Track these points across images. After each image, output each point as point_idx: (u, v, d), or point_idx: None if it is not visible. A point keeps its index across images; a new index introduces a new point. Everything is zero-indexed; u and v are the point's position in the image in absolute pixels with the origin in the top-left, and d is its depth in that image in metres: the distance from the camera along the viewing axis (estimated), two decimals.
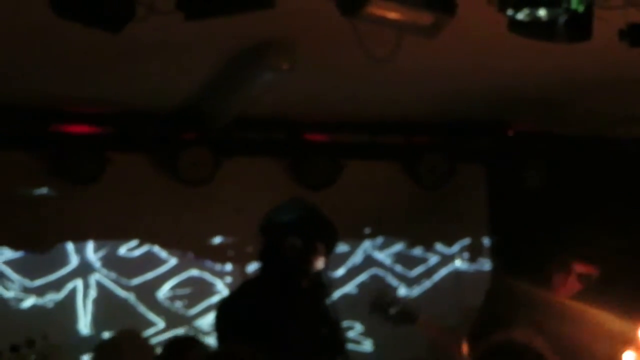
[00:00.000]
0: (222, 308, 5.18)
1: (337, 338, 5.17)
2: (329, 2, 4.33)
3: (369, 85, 6.06)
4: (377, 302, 5.86)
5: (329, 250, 4.95)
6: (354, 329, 7.17)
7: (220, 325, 5.12)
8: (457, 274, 7.56)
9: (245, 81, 5.95)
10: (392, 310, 5.78)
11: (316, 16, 4.83)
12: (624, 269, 6.03)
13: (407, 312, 5.80)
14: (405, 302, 6.37)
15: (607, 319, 5.29)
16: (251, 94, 6.15)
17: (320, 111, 6.89)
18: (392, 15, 4.29)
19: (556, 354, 3.23)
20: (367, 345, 7.27)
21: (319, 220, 4.96)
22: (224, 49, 5.56)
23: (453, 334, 5.95)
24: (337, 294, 7.09)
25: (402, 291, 7.46)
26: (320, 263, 4.89)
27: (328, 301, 5.32)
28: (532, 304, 5.44)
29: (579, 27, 4.35)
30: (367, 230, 7.42)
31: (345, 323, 6.62)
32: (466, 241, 7.63)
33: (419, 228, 7.49)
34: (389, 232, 7.45)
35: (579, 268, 5.57)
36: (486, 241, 7.67)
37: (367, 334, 7.22)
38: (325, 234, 4.92)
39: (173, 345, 6.10)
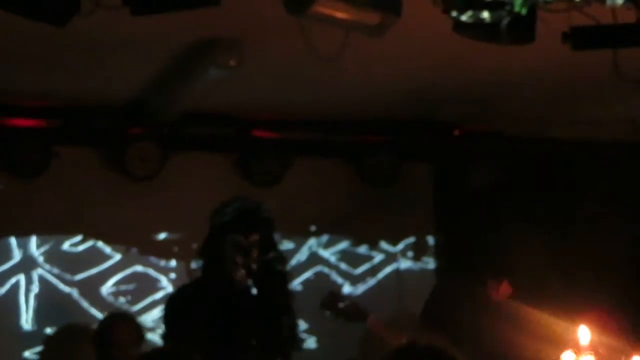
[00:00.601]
0: (168, 306, 5.18)
1: (285, 332, 5.19)
2: (276, 0, 4.34)
3: (316, 84, 6.09)
4: (327, 299, 5.91)
5: (267, 243, 4.97)
6: (298, 326, 7.18)
7: (166, 322, 5.13)
8: (401, 273, 7.62)
9: (193, 77, 5.95)
10: (343, 307, 5.83)
11: (263, 14, 4.85)
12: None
13: (358, 309, 5.86)
14: (355, 300, 6.43)
15: (548, 321, 5.37)
16: (199, 89, 6.15)
17: (269, 108, 6.90)
18: (339, 14, 4.32)
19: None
20: (311, 343, 7.29)
21: (258, 215, 4.99)
22: (171, 44, 5.56)
23: (400, 333, 6.00)
24: None
25: (347, 289, 7.50)
26: (256, 259, 4.90)
27: (279, 298, 5.32)
28: (471, 305, 5.51)
29: (522, 29, 4.41)
30: (312, 228, 7.45)
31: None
32: (411, 240, 7.68)
33: (364, 226, 7.53)
34: (334, 229, 7.49)
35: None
36: (431, 240, 7.73)
37: (311, 331, 7.23)
38: (263, 228, 4.95)
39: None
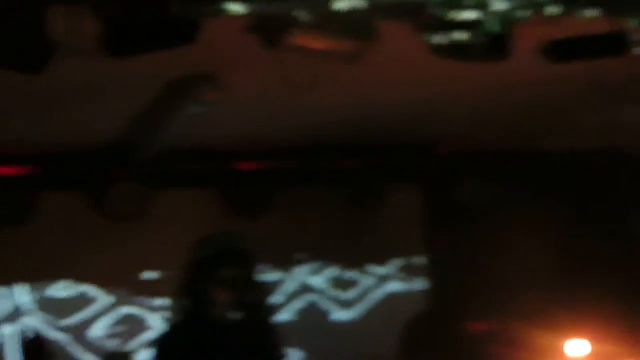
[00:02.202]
0: (159, 346, 5.13)
1: None
2: (252, 34, 4.34)
3: (295, 113, 6.08)
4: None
5: (252, 277, 4.91)
6: (291, 356, 7.14)
7: None
8: (391, 295, 7.60)
9: (173, 113, 5.94)
10: None
11: (239, 47, 4.83)
12: None
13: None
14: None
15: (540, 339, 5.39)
16: (179, 125, 6.13)
17: (250, 140, 6.89)
18: (315, 44, 4.32)
19: None
20: None
21: (242, 248, 4.94)
22: (149, 83, 5.54)
23: None
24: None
25: (338, 314, 7.48)
26: (243, 292, 4.86)
27: (266, 330, 5.28)
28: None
29: (497, 47, 4.43)
30: (300, 256, 7.42)
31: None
32: (400, 261, 7.66)
33: (352, 250, 7.51)
34: (322, 256, 7.47)
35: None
36: (420, 260, 7.71)
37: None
38: (247, 262, 4.89)
39: None
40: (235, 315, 4.92)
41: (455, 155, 7.50)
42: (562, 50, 4.72)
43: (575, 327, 5.44)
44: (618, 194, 7.43)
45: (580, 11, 4.38)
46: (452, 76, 5.34)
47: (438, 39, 4.28)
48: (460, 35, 4.27)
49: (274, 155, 7.11)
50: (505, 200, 7.44)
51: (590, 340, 4.86)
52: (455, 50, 4.41)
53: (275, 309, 6.77)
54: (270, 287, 5.35)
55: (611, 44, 4.74)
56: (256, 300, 5.00)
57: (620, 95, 5.33)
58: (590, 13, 4.40)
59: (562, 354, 4.78)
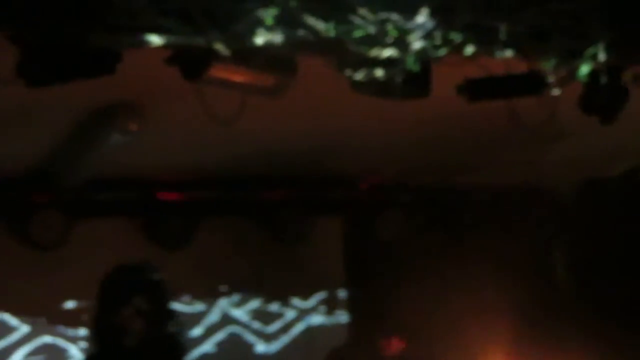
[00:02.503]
0: None
1: None
2: (172, 66, 4.35)
3: (218, 144, 6.11)
4: None
5: (159, 307, 4.89)
6: None
7: None
8: (314, 328, 7.61)
9: (95, 143, 5.92)
10: None
11: (161, 79, 4.84)
12: None
13: None
14: None
15: None
16: (101, 155, 6.11)
17: (172, 170, 6.88)
18: (235, 77, 4.35)
19: None
20: None
21: (144, 278, 4.92)
22: (71, 111, 5.54)
23: None
24: (195, 354, 7.06)
25: (260, 347, 7.47)
26: (157, 323, 4.83)
27: None
28: None
29: (416, 85, 4.50)
30: (223, 288, 7.41)
31: None
32: (322, 294, 7.69)
33: (275, 283, 7.52)
34: (245, 288, 7.46)
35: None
36: (342, 293, 7.75)
37: None
38: (151, 291, 4.86)
39: None
40: (150, 346, 4.90)
41: (375, 189, 7.57)
42: (479, 88, 4.82)
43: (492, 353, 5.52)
44: (536, 229, 7.58)
45: (498, 52, 4.47)
46: (373, 112, 5.40)
47: (358, 75, 4.33)
48: (380, 72, 4.33)
49: (197, 185, 7.10)
50: (425, 234, 7.53)
51: None
52: (375, 87, 4.47)
53: (192, 340, 6.77)
54: (187, 318, 5.31)
55: (528, 84, 4.85)
56: (171, 331, 4.98)
57: (538, 133, 5.45)
58: (507, 54, 4.50)
59: None
